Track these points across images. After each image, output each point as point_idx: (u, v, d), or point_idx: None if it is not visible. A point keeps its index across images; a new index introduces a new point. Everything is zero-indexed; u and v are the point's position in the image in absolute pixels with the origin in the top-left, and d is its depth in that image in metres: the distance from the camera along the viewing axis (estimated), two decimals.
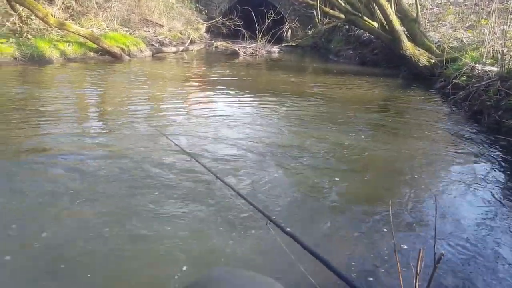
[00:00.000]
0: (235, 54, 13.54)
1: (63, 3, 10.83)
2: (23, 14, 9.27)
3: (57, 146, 3.82)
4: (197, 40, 16.06)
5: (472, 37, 8.71)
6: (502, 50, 6.03)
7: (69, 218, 2.57)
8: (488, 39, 6.93)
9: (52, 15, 9.27)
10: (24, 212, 2.60)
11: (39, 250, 2.22)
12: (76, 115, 5.17)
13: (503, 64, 5.70)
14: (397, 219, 2.75)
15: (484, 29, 7.66)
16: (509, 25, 6.82)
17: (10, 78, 7.07)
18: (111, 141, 4.10)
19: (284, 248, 1.88)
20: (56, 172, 3.24)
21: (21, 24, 9.21)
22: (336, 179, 3.40)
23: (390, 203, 2.65)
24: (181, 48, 13.63)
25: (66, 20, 10.38)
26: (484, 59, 6.65)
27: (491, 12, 7.66)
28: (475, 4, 10.55)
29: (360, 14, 9.98)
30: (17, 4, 8.82)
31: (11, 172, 3.19)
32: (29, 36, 8.95)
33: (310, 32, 15.22)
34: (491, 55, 6.81)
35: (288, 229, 1.88)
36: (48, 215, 2.57)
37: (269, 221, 1.99)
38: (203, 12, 19.41)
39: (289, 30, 17.76)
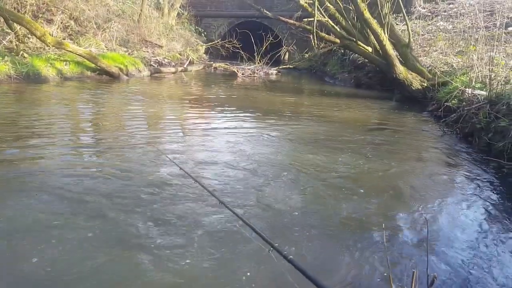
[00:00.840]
0: (233, 75, 13.75)
1: (61, 22, 11.04)
2: (20, 32, 9.42)
3: (45, 165, 3.78)
4: (196, 61, 16.33)
5: (461, 62, 8.90)
6: (490, 75, 6.15)
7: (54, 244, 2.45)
8: (476, 65, 7.10)
9: (50, 34, 9.42)
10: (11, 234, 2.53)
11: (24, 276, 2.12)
12: (68, 133, 5.16)
13: (491, 89, 5.81)
14: (391, 240, 2.74)
15: (472, 55, 7.86)
16: (496, 52, 7.00)
17: (2, 96, 7.08)
18: (102, 159, 4.09)
19: (286, 276, 1.84)
20: (43, 195, 3.13)
21: (17, 43, 9.33)
22: (331, 199, 3.41)
23: (383, 226, 2.64)
24: (179, 68, 13.83)
25: (64, 39, 10.55)
26: (473, 84, 6.78)
27: (479, 39, 7.89)
28: (463, 31, 10.85)
29: (354, 39, 10.22)
30: (15, 23, 8.96)
31: None
32: (25, 55, 9.05)
33: (306, 55, 15.54)
34: (480, 79, 6.94)
35: (290, 256, 1.85)
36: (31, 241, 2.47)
37: (271, 248, 1.97)
38: (203, 34, 19.84)
39: (287, 53, 18.13)
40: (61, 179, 3.43)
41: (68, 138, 4.82)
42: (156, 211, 2.92)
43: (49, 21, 10.97)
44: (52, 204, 2.96)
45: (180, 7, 18.55)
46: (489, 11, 11.99)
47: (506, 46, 8.52)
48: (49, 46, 9.48)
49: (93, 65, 10.13)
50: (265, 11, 12.16)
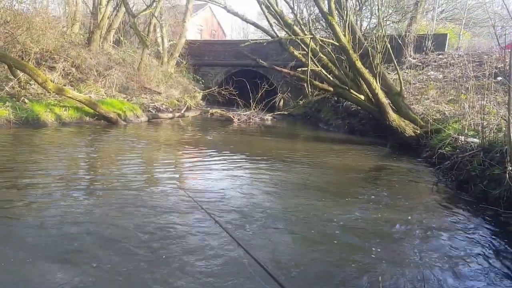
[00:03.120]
0: (229, 120, 13.93)
1: (63, 69, 11.34)
2: (23, 79, 9.64)
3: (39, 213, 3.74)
4: (193, 107, 16.61)
5: (453, 110, 9.12)
6: (482, 123, 6.28)
7: None
8: (468, 113, 7.27)
9: (51, 81, 9.64)
10: None
11: None
12: (64, 179, 5.12)
13: (484, 136, 5.91)
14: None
15: (464, 103, 8.07)
16: (486, 100, 7.22)
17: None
18: (93, 206, 4.07)
19: None
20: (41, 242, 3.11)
21: (19, 89, 9.51)
22: (329, 248, 3.40)
23: (380, 279, 2.59)
24: (177, 114, 14.03)
25: (65, 85, 10.78)
26: (466, 131, 6.90)
27: (469, 88, 8.15)
28: (454, 80, 11.23)
29: (347, 88, 10.51)
30: (18, 70, 9.19)
31: None
32: (26, 100, 9.21)
33: (301, 102, 15.89)
34: (472, 127, 7.08)
35: None
36: None
37: None
38: (200, 82, 20.38)
39: (281, 100, 18.53)
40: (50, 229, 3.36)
41: (59, 185, 4.75)
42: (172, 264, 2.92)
43: (51, 68, 11.27)
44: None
45: (179, 56, 19.21)
46: (478, 61, 12.48)
47: (496, 95, 8.77)
48: (50, 92, 9.67)
49: (92, 111, 10.27)
50: (260, 61, 12.57)
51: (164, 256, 3.00)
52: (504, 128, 5.72)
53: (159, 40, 18.98)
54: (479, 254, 3.46)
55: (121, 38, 17.38)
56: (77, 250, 3.00)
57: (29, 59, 10.51)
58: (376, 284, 2.71)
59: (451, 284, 2.88)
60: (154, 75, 15.80)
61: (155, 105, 13.96)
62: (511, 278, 3.04)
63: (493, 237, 3.91)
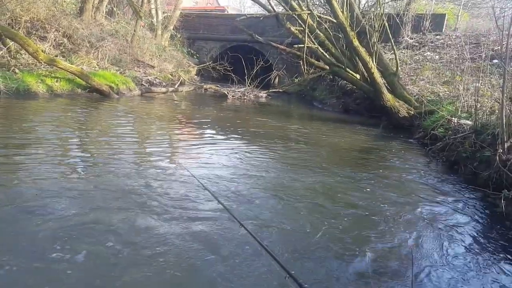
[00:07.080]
0: (223, 97, 13.82)
1: (55, 40, 11.05)
2: (13, 48, 9.38)
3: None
4: (187, 82, 16.37)
5: (448, 92, 9.14)
6: (475, 105, 6.32)
7: None
8: (462, 95, 7.29)
9: (42, 51, 9.41)
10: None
11: None
12: (53, 152, 5.09)
13: (477, 119, 5.96)
14: (375, 270, 2.75)
15: (458, 85, 8.09)
16: (481, 83, 7.23)
17: None
18: (86, 179, 4.08)
19: None
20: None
21: (9, 58, 9.28)
22: (322, 224, 3.46)
23: (369, 255, 2.65)
24: (170, 89, 13.84)
25: (57, 56, 10.53)
26: (459, 113, 6.94)
27: (465, 70, 8.14)
28: (450, 62, 11.19)
29: (343, 66, 10.44)
30: (8, 39, 8.94)
31: None
32: (17, 70, 9.00)
33: (296, 80, 15.78)
34: (466, 109, 7.13)
35: (306, 285, 1.91)
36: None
37: (288, 276, 1.99)
38: (195, 56, 20.05)
39: (277, 77, 18.37)
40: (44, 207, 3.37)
41: (49, 159, 4.72)
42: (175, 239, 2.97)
43: (43, 38, 10.97)
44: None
45: (173, 29, 18.78)
46: (475, 43, 12.42)
47: (491, 78, 8.79)
48: (41, 62, 9.43)
49: (84, 83, 10.10)
50: (256, 36, 12.37)
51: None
52: (497, 111, 5.76)
53: (153, 11, 18.48)
54: (466, 233, 3.55)
55: (114, 8, 16.87)
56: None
57: (19, 28, 10.20)
58: (365, 259, 2.78)
59: (436, 261, 2.97)
60: (147, 48, 15.47)
61: (148, 79, 13.73)
62: (494, 257, 3.14)
63: (481, 217, 4.00)
